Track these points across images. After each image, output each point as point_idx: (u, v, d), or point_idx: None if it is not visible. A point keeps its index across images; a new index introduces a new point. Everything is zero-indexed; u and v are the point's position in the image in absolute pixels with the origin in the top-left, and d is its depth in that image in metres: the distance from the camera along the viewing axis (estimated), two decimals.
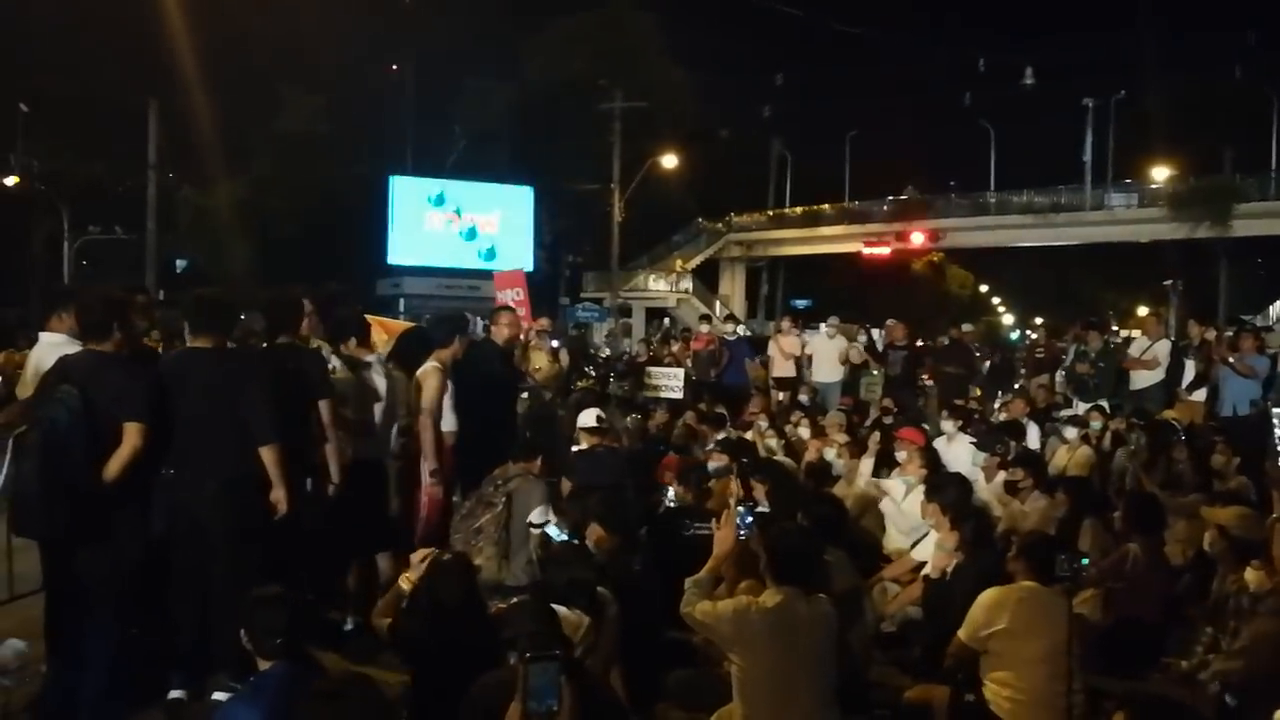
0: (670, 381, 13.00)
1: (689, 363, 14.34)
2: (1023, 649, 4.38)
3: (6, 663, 5.33)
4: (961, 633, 4.56)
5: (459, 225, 40.26)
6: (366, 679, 3.32)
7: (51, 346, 5.37)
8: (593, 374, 15.92)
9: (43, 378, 4.89)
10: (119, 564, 4.77)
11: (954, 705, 4.65)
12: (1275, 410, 5.90)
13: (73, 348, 5.19)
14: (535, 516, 6.09)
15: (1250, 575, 5.33)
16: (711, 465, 8.03)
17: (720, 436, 9.75)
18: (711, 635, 4.36)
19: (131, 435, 4.69)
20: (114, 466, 4.64)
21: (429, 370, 6.64)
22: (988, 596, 4.53)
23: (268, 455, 5.01)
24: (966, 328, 16.75)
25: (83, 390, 4.62)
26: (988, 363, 16.77)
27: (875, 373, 13.90)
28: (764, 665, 4.10)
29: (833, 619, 4.29)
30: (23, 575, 6.39)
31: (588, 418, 7.93)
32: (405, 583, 4.66)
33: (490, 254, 39.03)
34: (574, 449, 7.96)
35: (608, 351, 26.98)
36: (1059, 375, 13.50)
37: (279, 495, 5.05)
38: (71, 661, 4.81)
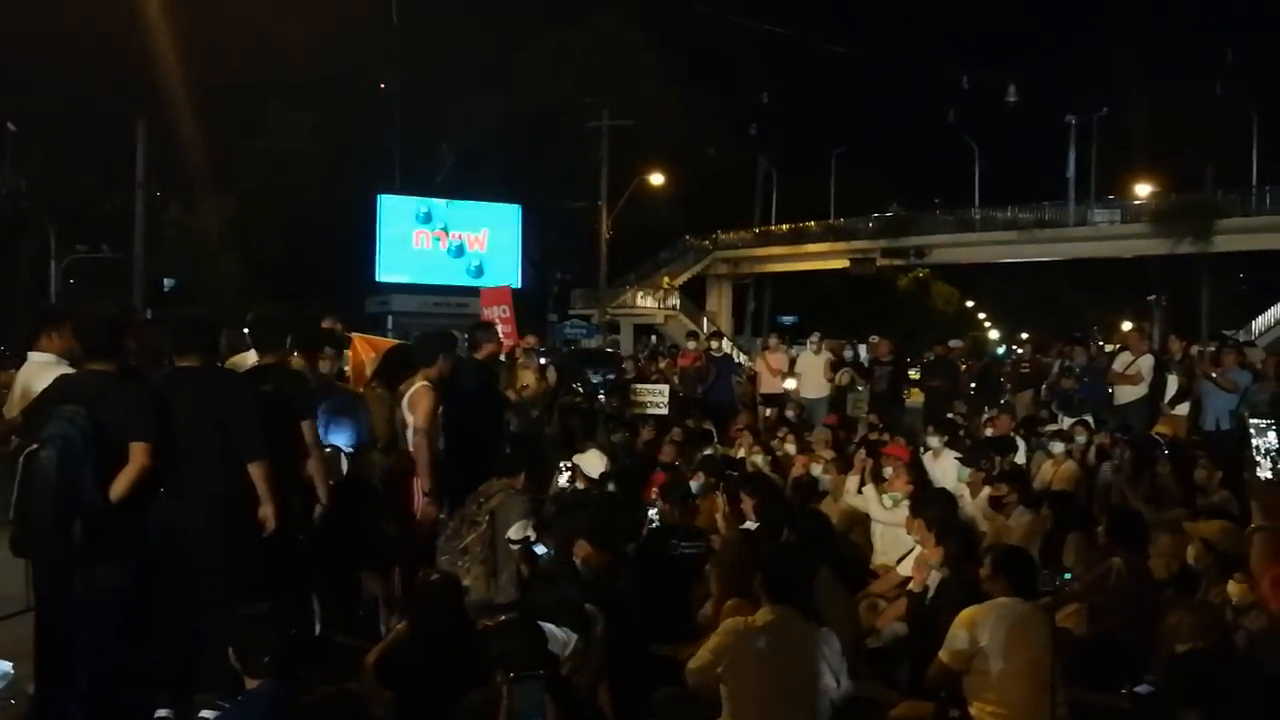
0: (656, 398, 13.01)
1: (676, 379, 14.37)
2: (1004, 665, 4.39)
3: None
4: (942, 654, 4.57)
5: (446, 243, 40.28)
6: (352, 694, 3.33)
7: (41, 366, 5.37)
8: (581, 390, 15.92)
9: (40, 397, 4.88)
10: (118, 583, 4.77)
11: None
12: (1252, 421, 5.94)
13: (62, 368, 5.20)
14: (514, 533, 6.07)
15: (1233, 588, 5.37)
16: (694, 484, 8.02)
17: (707, 453, 9.79)
18: (709, 676, 4.27)
19: (139, 455, 4.70)
20: (120, 485, 4.65)
21: (420, 389, 6.62)
22: (966, 616, 4.54)
23: (256, 471, 5.01)
24: (955, 343, 16.80)
25: (90, 410, 4.63)
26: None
27: (861, 389, 13.96)
28: (753, 683, 4.08)
29: (830, 642, 4.24)
30: (6, 596, 6.38)
31: (593, 465, 7.83)
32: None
33: (478, 271, 39.06)
34: (563, 485, 7.84)
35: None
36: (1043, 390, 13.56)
37: (267, 511, 5.06)
38: (62, 683, 4.80)
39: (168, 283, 42.21)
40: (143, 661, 5.03)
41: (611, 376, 14.37)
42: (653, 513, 7.17)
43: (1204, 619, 4.54)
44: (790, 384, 14.27)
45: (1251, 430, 6.45)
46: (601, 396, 13.89)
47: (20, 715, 5.06)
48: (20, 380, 5.52)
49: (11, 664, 5.42)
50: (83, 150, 35.88)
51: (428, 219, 39.99)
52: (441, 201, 40.85)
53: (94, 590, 4.74)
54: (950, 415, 12.22)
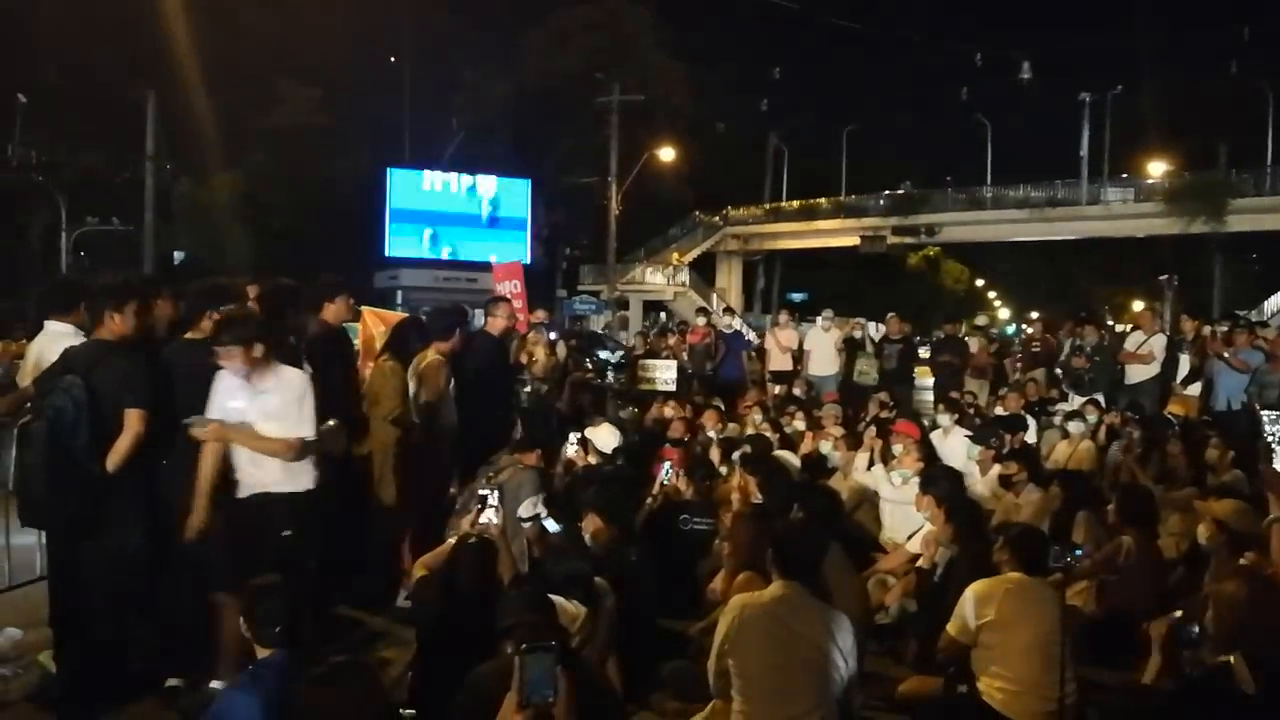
0: (663, 374, 13.02)
1: (685, 356, 14.37)
2: (1012, 640, 4.39)
3: (4, 651, 5.35)
4: (950, 628, 4.57)
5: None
6: (363, 664, 3.34)
7: (55, 336, 5.38)
8: (590, 366, 15.92)
9: (48, 368, 4.90)
10: (122, 552, 4.78)
11: (947, 696, 4.67)
12: (1265, 413, 5.88)
13: (79, 339, 5.20)
14: (524, 511, 6.07)
15: None
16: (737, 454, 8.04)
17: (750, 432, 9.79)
18: (724, 665, 4.15)
19: (133, 422, 4.71)
20: (116, 454, 4.66)
21: (433, 363, 6.61)
22: (975, 590, 4.53)
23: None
24: (981, 321, 16.85)
25: (86, 379, 4.63)
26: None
27: (870, 353, 13.95)
28: (760, 658, 4.03)
29: (842, 625, 4.14)
30: (20, 564, 6.43)
31: (606, 437, 7.80)
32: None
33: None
34: (575, 465, 7.79)
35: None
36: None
37: None
38: (75, 649, 4.84)
39: (178, 255, 42.22)
40: (154, 631, 5.06)
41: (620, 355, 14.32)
42: (665, 470, 7.15)
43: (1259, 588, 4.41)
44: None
45: (1264, 419, 6.40)
46: (610, 373, 13.92)
47: (29, 683, 5.10)
48: (34, 350, 5.54)
49: (21, 630, 5.47)
50: (93, 123, 35.88)
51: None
52: (451, 175, 40.76)
53: (101, 558, 4.76)
54: (954, 395, 12.19)
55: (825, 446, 9.25)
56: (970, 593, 4.53)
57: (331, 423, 5.93)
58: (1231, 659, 3.69)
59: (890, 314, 15.01)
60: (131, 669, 4.94)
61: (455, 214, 39.02)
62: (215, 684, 4.77)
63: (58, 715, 4.81)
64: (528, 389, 9.60)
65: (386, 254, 39.31)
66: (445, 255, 39.20)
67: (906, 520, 6.98)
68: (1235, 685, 3.65)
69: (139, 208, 32.20)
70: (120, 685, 4.86)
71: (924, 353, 16.05)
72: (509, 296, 10.24)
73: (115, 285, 5.23)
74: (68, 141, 36.15)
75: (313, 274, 7.22)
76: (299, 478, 5.01)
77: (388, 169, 39.56)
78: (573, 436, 8.01)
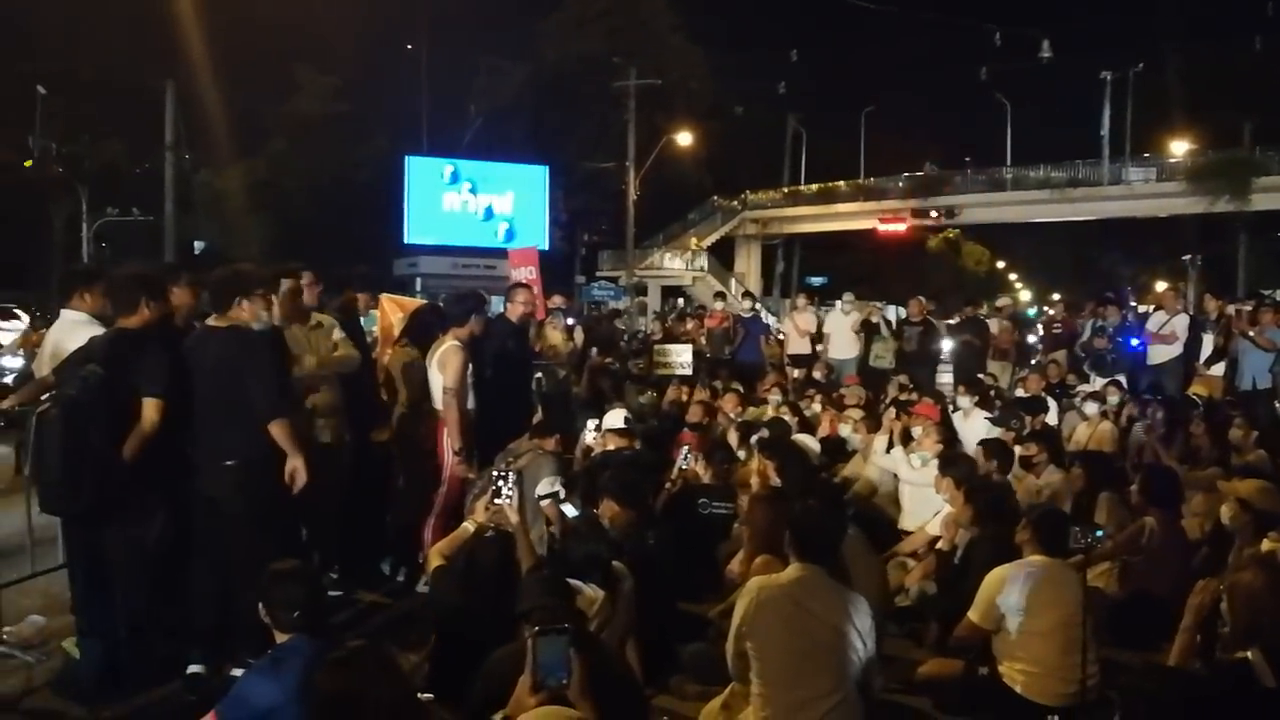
0: (680, 358, 13.00)
1: (703, 340, 14.33)
2: (1033, 623, 4.37)
3: (28, 638, 5.40)
4: (972, 613, 4.54)
5: (475, 205, 40.19)
6: (381, 648, 3.34)
7: (72, 325, 5.40)
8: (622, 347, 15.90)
9: (69, 357, 4.92)
10: (140, 539, 4.80)
11: (967, 679, 4.65)
12: None
13: (94, 327, 5.22)
14: (542, 488, 6.07)
15: (1267, 547, 5.30)
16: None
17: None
18: (741, 647, 4.12)
19: (149, 411, 4.72)
20: (132, 442, 4.67)
21: (450, 348, 6.60)
22: (996, 574, 4.50)
23: (276, 431, 4.99)
24: (1002, 302, 16.79)
25: (105, 367, 4.65)
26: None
27: (886, 337, 13.85)
28: (778, 641, 4.02)
29: (860, 608, 4.10)
30: (43, 552, 6.47)
31: (615, 418, 7.79)
32: (472, 524, 4.87)
33: (509, 236, 38.92)
34: (594, 451, 7.73)
35: (624, 330, 27.06)
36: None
37: (295, 464, 5.03)
38: (95, 636, 4.87)
39: (198, 245, 42.43)
40: (176, 618, 5.09)
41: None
42: (684, 455, 7.14)
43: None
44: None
45: None
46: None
47: (54, 668, 5.14)
48: (51, 338, 5.56)
49: (44, 618, 5.51)
50: (113, 113, 36.07)
51: (455, 178, 39.80)
52: (469, 162, 40.75)
53: (117, 546, 4.78)
54: (980, 376, 12.11)
55: (845, 429, 9.22)
56: (991, 578, 4.51)
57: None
58: (1250, 655, 3.64)
59: (914, 297, 14.88)
60: (153, 655, 4.97)
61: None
62: (236, 670, 4.80)
63: (81, 701, 4.84)
64: (537, 374, 9.59)
65: (406, 241, 39.36)
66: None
67: (926, 502, 6.94)
68: (1256, 680, 3.60)
69: (159, 198, 32.36)
70: (142, 671, 4.89)
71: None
72: (525, 282, 10.23)
73: (150, 275, 5.24)
74: (88, 132, 36.35)
75: (332, 262, 7.24)
76: None
77: (406, 157, 39.59)
78: (590, 423, 7.99)
